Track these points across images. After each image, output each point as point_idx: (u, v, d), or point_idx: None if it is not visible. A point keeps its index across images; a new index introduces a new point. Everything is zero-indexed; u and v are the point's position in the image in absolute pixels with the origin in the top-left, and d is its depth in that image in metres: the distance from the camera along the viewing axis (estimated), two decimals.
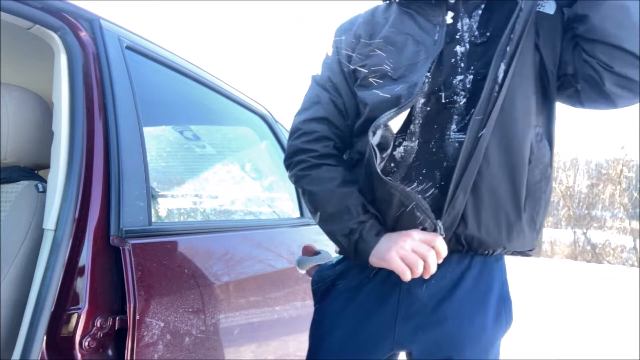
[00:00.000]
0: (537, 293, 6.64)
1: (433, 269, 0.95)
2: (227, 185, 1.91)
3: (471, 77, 0.99)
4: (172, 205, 1.47)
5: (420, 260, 0.93)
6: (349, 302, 1.07)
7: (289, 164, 1.12)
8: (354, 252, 1.01)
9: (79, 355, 0.88)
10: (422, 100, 0.99)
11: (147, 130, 1.18)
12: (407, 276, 0.95)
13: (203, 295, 1.17)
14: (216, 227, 1.49)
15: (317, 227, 1.11)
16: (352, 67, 1.07)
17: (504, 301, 1.04)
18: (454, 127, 0.98)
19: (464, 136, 0.95)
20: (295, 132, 1.12)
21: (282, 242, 1.73)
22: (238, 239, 1.47)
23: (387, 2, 1.12)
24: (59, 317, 0.90)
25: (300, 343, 1.58)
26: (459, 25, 1.02)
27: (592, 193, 15.23)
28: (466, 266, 1.01)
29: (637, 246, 12.51)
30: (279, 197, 2.06)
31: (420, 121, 0.99)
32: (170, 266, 1.10)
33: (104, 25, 1.16)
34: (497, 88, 0.94)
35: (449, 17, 1.02)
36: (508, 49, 0.95)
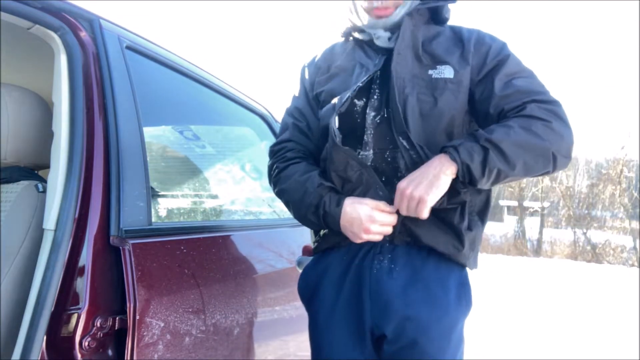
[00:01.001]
0: (537, 293, 6.64)
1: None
2: (227, 185, 1.91)
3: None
4: (172, 205, 1.47)
5: (382, 230, 1.05)
6: (336, 299, 1.14)
7: (270, 179, 1.25)
8: (326, 226, 1.11)
9: (79, 355, 0.88)
10: (372, 114, 1.12)
11: (147, 130, 1.18)
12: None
13: (203, 295, 1.17)
14: (216, 227, 1.49)
15: None
16: (314, 92, 1.23)
17: (463, 286, 1.12)
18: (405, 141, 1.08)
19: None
20: (270, 154, 1.28)
21: (282, 242, 1.73)
22: (238, 239, 1.47)
23: (344, 38, 1.27)
24: (59, 317, 0.90)
25: (300, 343, 1.58)
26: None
27: (592, 193, 15.23)
28: (425, 256, 1.10)
29: (637, 246, 12.51)
30: None
31: (372, 132, 1.12)
32: (170, 266, 1.10)
33: (104, 25, 1.16)
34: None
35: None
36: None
